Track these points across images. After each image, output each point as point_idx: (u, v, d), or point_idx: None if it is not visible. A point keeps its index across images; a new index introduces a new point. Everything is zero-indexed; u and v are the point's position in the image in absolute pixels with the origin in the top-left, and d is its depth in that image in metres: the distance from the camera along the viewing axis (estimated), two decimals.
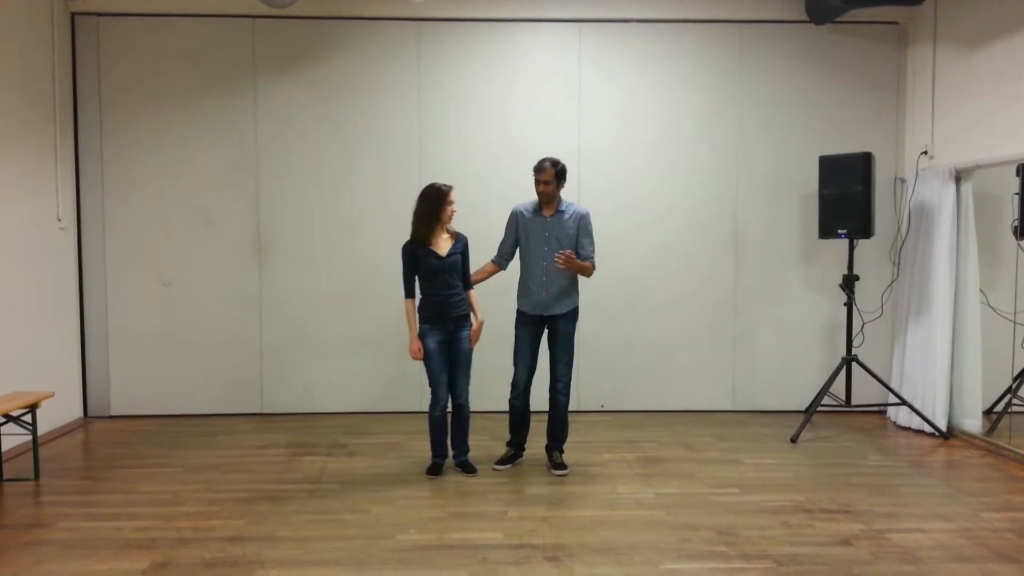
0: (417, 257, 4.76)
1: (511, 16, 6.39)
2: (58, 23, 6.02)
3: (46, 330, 5.84)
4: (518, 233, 4.98)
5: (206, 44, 6.32)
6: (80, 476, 4.93)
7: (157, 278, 6.37)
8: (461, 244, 4.85)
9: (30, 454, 4.95)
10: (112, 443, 5.68)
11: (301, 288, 6.45)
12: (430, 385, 4.81)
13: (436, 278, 4.74)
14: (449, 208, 4.77)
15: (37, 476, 4.83)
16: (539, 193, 4.88)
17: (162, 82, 6.31)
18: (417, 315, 4.79)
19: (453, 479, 4.81)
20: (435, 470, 4.89)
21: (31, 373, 5.55)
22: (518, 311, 4.98)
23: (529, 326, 4.94)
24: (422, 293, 4.81)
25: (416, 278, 4.81)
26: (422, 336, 4.76)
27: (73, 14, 6.22)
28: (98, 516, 4.18)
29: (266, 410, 6.49)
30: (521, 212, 4.98)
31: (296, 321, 6.46)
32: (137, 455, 5.36)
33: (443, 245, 4.79)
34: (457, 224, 6.40)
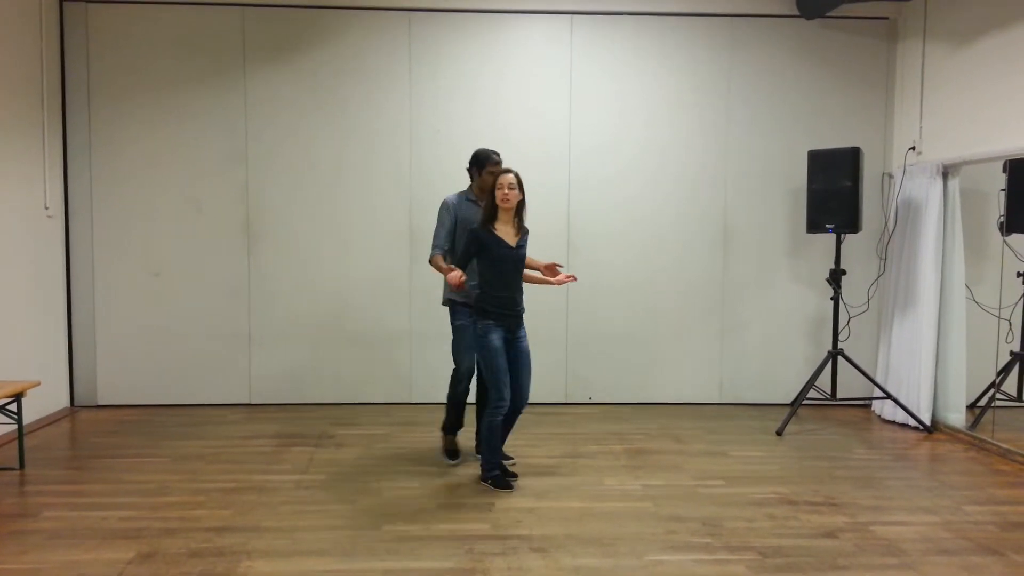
0: (485, 244, 4.32)
1: (503, 7, 6.37)
2: (46, 10, 5.96)
3: (33, 319, 5.81)
4: (456, 225, 4.74)
5: (196, 32, 6.28)
6: (66, 466, 4.91)
7: (146, 269, 6.34)
8: (525, 238, 4.46)
9: (15, 443, 4.93)
10: (98, 432, 5.66)
11: (290, 278, 6.44)
12: (496, 385, 4.36)
13: (504, 270, 4.35)
14: (499, 192, 4.31)
15: (22, 465, 4.81)
16: (492, 184, 4.60)
17: (151, 70, 6.27)
18: (478, 309, 4.42)
19: (441, 470, 4.82)
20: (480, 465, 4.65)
21: (17, 362, 5.52)
22: (462, 304, 4.72)
23: (470, 317, 4.68)
24: (486, 285, 4.38)
25: (475, 264, 4.43)
26: (486, 332, 4.35)
27: (62, 1, 6.17)
28: (84, 506, 4.17)
29: (254, 400, 6.48)
30: (458, 204, 4.77)
31: (284, 311, 6.45)
32: (123, 445, 5.34)
33: (511, 235, 4.38)
34: None
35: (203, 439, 5.47)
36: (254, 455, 5.11)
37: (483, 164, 4.69)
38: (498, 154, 4.74)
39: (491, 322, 4.37)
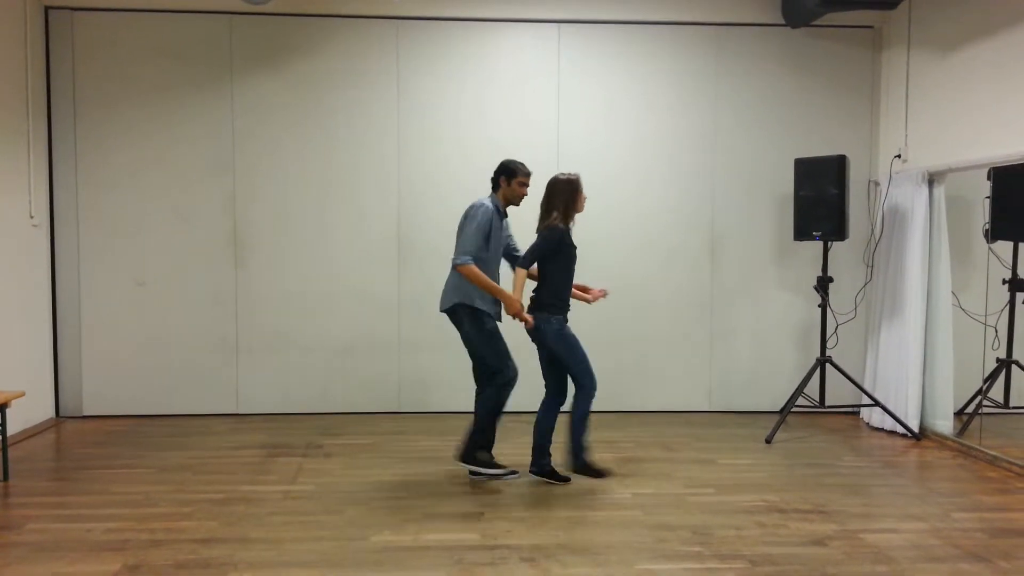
0: (568, 245, 4.63)
1: (491, 16, 6.39)
2: (31, 18, 5.93)
3: (18, 329, 5.76)
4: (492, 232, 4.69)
5: (183, 40, 6.26)
6: (51, 477, 4.87)
7: (133, 279, 6.30)
8: None
9: None
10: (84, 443, 5.61)
11: (277, 287, 6.40)
12: (589, 372, 4.64)
13: (574, 270, 4.70)
14: (583, 201, 4.70)
15: (6, 477, 4.76)
16: (520, 196, 4.77)
17: (138, 78, 6.24)
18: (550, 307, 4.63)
19: (431, 480, 4.79)
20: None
21: (1, 372, 5.47)
22: (487, 313, 4.65)
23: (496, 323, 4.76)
24: (559, 285, 4.63)
25: (544, 265, 4.65)
26: (563, 327, 4.63)
27: (47, 8, 6.14)
28: (69, 518, 4.12)
29: (241, 410, 6.44)
30: (494, 214, 4.70)
31: (272, 320, 6.41)
32: (109, 456, 5.29)
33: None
34: (433, 223, 6.42)
35: (190, 449, 5.43)
36: (241, 465, 5.08)
37: (514, 175, 4.72)
38: (525, 165, 4.79)
39: (563, 316, 4.66)
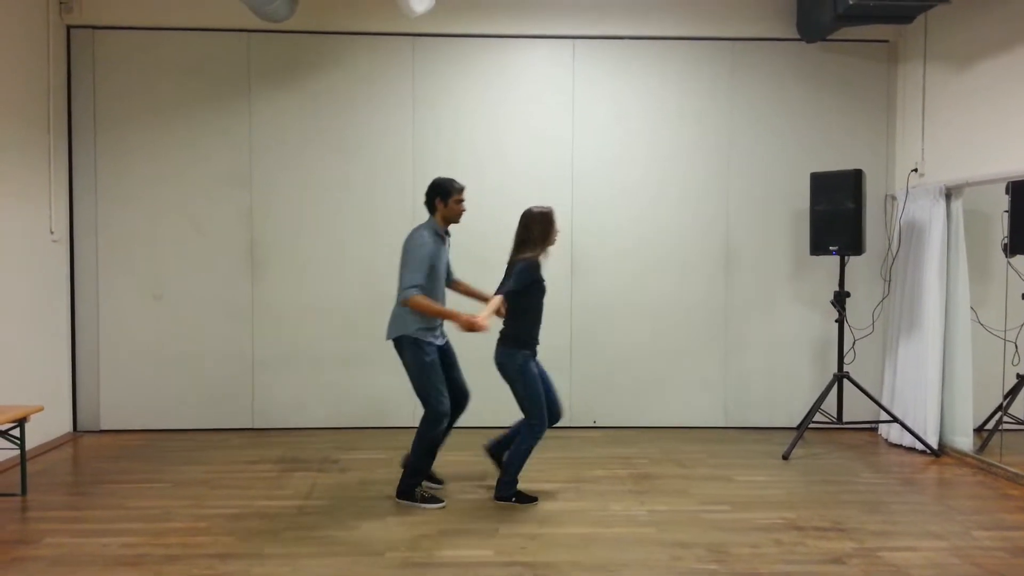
0: (540, 279, 4.49)
1: (506, 32, 6.42)
2: (54, 36, 6.02)
3: (36, 343, 5.81)
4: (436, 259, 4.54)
5: (201, 57, 6.33)
6: (68, 491, 4.89)
7: (151, 293, 6.35)
8: None
9: (18, 469, 4.91)
10: (101, 458, 5.64)
11: (294, 301, 6.44)
12: (540, 412, 4.50)
13: (542, 304, 4.56)
14: (556, 235, 4.54)
15: (24, 491, 4.80)
16: (460, 213, 4.63)
17: (157, 95, 6.32)
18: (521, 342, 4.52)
19: (446, 496, 4.78)
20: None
21: (20, 386, 5.52)
22: (427, 343, 4.53)
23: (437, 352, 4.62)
24: (533, 320, 4.52)
25: (515, 299, 4.50)
26: (527, 362, 4.48)
27: (69, 27, 6.23)
28: (86, 532, 4.15)
29: (257, 425, 6.46)
30: (435, 236, 4.55)
31: (288, 335, 6.44)
32: (126, 470, 5.32)
33: None
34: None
35: (206, 464, 5.45)
36: (257, 480, 5.09)
37: (449, 194, 4.56)
38: (457, 180, 4.65)
39: (529, 352, 4.55)
